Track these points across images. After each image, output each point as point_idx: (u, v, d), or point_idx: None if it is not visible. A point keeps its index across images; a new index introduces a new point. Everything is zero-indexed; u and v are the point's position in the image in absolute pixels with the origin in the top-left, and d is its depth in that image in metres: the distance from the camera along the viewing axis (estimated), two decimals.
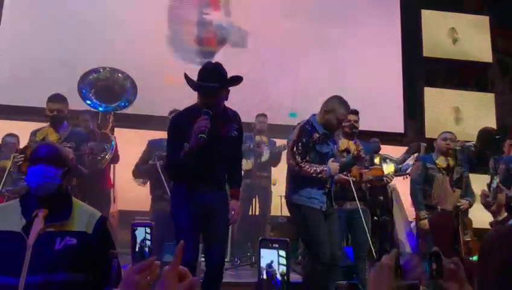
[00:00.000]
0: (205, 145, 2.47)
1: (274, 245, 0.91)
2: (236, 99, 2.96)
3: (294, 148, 3.03)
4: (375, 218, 4.62)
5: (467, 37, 7.23)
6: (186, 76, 2.62)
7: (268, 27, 6.49)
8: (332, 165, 3.05)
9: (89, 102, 4.49)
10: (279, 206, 5.04)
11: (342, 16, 6.77)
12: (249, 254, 4.91)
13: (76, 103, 4.30)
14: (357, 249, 3.71)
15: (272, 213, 5.09)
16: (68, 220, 1.73)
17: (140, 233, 1.16)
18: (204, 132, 2.44)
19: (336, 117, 3.08)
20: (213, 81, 2.53)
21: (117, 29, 6.18)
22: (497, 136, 4.85)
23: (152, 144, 4.03)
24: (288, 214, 3.75)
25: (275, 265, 0.91)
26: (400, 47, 6.96)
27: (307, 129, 3.07)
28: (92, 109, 4.54)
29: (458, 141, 4.93)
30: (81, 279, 1.69)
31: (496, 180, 2.89)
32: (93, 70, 4.60)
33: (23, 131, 4.92)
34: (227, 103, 2.73)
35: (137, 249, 1.16)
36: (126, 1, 6.33)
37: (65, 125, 3.62)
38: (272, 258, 0.91)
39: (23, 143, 4.79)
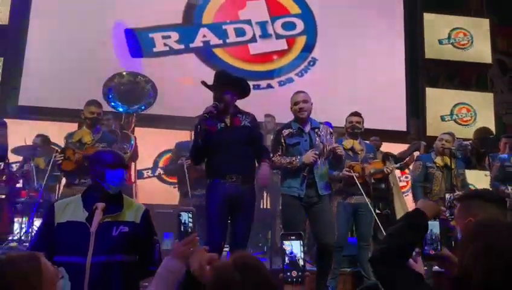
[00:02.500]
0: (225, 138, 3.03)
1: (292, 237, 1.25)
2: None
3: (271, 147, 3.47)
4: (378, 211, 4.94)
5: (468, 38, 7.53)
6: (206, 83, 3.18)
7: None
8: (306, 155, 3.27)
9: (112, 104, 4.87)
10: None
11: (349, 20, 7.08)
12: (260, 244, 5.29)
13: None
14: (360, 240, 4.04)
15: None
16: (121, 212, 2.12)
17: (184, 217, 1.54)
18: (208, 113, 2.95)
19: (294, 103, 3.42)
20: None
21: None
22: (491, 136, 5.18)
23: (178, 146, 4.37)
24: None
25: (296, 252, 1.23)
26: (403, 49, 7.27)
27: (279, 129, 3.49)
28: (114, 110, 4.93)
29: (457, 139, 5.27)
30: (133, 259, 2.09)
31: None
32: (117, 74, 4.99)
33: (48, 131, 5.37)
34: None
35: (182, 229, 1.53)
36: (146, 7, 6.69)
37: (98, 128, 3.99)
38: (292, 247, 1.24)
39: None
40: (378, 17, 7.18)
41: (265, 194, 5.26)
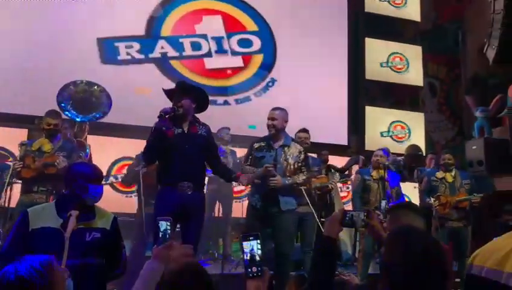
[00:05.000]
0: (181, 144, 3.10)
1: (251, 238, 1.41)
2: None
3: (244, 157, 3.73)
4: (322, 219, 5.40)
5: (404, 63, 8.32)
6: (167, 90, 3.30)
7: None
8: (262, 168, 3.48)
9: (67, 113, 4.91)
10: (240, 209, 5.73)
11: (296, 42, 7.50)
12: (211, 251, 5.54)
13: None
14: (304, 245, 4.43)
15: (235, 215, 5.69)
16: (94, 219, 2.31)
17: (163, 225, 1.73)
18: (164, 112, 3.02)
19: (267, 118, 3.68)
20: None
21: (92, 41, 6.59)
22: (419, 152, 5.84)
23: (138, 157, 4.50)
24: None
25: (254, 250, 1.39)
26: (346, 70, 7.86)
27: (252, 142, 3.76)
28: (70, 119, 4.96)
29: (392, 154, 5.88)
30: (103, 263, 2.28)
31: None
32: (72, 83, 5.01)
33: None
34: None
35: (160, 236, 1.72)
36: (104, 14, 6.67)
37: (58, 137, 4.04)
38: (251, 246, 1.40)
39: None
40: (323, 42, 7.66)
41: (217, 203, 5.51)
